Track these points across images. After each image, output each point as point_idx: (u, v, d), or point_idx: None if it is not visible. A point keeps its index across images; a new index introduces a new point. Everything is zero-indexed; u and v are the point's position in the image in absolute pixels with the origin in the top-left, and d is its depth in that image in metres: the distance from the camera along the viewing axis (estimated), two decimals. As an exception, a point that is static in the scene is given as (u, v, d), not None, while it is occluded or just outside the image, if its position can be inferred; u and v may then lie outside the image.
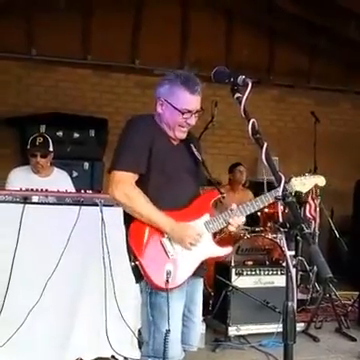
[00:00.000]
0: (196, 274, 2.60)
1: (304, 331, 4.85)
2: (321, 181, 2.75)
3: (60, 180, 4.39)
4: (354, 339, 4.80)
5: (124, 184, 2.47)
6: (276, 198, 1.73)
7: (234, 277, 4.61)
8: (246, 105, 2.01)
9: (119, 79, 7.44)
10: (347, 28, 6.94)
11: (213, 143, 7.25)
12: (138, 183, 2.51)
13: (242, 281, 4.62)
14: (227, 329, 4.50)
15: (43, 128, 6.26)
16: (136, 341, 3.98)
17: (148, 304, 2.55)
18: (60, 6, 6.68)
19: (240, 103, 2.00)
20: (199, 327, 2.83)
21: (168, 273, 2.42)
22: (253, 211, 2.64)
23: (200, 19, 7.48)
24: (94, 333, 3.83)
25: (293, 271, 1.69)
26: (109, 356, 3.87)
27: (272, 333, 4.39)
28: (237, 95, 2.04)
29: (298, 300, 5.31)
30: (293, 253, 1.70)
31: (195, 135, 2.88)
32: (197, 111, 2.60)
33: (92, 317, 3.82)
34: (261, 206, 2.65)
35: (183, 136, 2.64)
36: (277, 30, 7.81)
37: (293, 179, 2.73)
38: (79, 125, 6.68)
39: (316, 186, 2.75)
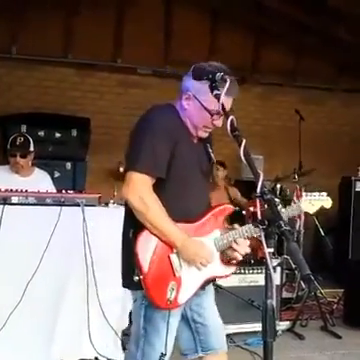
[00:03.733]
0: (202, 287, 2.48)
1: (290, 329, 4.84)
2: (328, 204, 2.68)
3: (41, 180, 4.34)
4: (339, 337, 4.82)
5: (141, 187, 2.27)
6: (255, 196, 1.70)
7: (218, 276, 4.58)
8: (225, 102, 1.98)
9: (102, 78, 7.38)
10: (336, 28, 6.95)
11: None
12: (154, 187, 2.31)
13: (226, 280, 4.57)
14: (212, 329, 4.48)
15: (24, 128, 6.18)
16: (120, 342, 3.95)
17: (142, 317, 2.40)
18: (42, 5, 6.60)
19: (219, 100, 1.97)
20: (217, 330, 2.63)
21: (171, 291, 2.28)
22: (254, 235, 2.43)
23: (184, 17, 7.42)
24: (76, 334, 3.80)
25: (276, 269, 1.67)
26: (92, 358, 3.83)
27: (257, 332, 4.37)
28: (216, 92, 2.01)
29: (284, 298, 5.32)
30: (272, 250, 1.68)
31: None
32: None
33: (74, 318, 3.79)
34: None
35: (205, 136, 2.48)
36: (264, 29, 7.77)
37: (302, 198, 2.63)
38: (61, 124, 6.60)
39: (322, 208, 2.68)
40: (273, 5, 6.98)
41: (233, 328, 4.54)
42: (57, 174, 6.11)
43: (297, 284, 5.82)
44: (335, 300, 5.65)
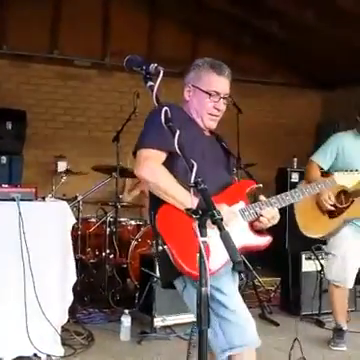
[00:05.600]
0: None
1: (229, 318, 4.93)
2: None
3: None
4: (277, 324, 4.96)
5: (150, 161, 2.33)
6: (188, 185, 1.73)
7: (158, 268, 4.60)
8: (159, 93, 1.98)
9: (38, 70, 7.21)
10: (270, 25, 7.13)
11: (137, 135, 7.18)
12: (166, 166, 2.34)
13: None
14: (153, 320, 4.50)
15: None
16: (59, 338, 3.90)
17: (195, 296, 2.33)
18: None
19: (152, 91, 1.98)
20: (240, 324, 2.42)
21: None
22: (292, 202, 2.53)
23: (122, 8, 7.34)
24: (14, 332, 3.72)
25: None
26: (31, 355, 3.77)
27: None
28: (149, 83, 2.01)
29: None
30: (206, 239, 1.70)
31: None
32: (226, 96, 2.52)
33: (12, 315, 3.71)
34: (301, 197, 2.58)
35: (213, 125, 2.55)
36: (201, 24, 7.83)
37: (335, 174, 2.90)
38: (-5, 117, 6.42)
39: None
40: (210, 2, 7.06)
41: (174, 319, 4.58)
42: (-8, 169, 5.96)
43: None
44: (272, 288, 5.81)
